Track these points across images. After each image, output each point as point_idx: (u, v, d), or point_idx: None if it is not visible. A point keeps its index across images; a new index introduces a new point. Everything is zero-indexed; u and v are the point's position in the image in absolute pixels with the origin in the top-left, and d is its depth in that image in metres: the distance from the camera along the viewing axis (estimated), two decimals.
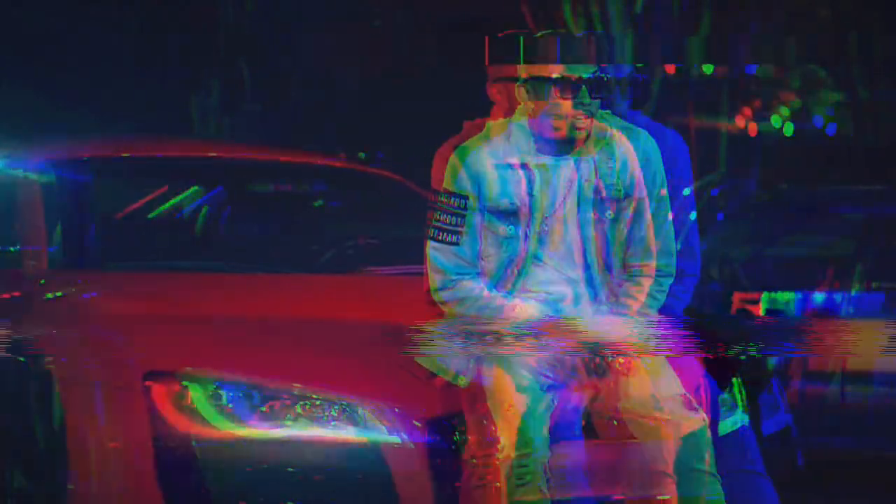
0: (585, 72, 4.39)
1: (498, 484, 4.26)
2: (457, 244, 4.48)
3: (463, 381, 4.47)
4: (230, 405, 4.43)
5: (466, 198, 4.46)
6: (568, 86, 4.38)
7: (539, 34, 4.51)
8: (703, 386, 4.77)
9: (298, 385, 4.45)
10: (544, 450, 4.25)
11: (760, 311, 8.18)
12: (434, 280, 4.51)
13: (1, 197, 6.28)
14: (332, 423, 4.41)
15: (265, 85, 12.26)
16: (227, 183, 6.49)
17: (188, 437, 4.41)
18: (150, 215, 6.92)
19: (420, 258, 4.58)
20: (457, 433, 4.37)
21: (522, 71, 4.45)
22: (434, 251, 4.50)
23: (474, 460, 4.28)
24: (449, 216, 4.48)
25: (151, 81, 13.32)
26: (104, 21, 13.61)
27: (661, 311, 4.58)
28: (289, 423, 4.41)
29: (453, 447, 4.36)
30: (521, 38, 4.52)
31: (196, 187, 6.71)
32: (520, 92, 4.48)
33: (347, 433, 4.40)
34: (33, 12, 13.14)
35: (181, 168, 6.49)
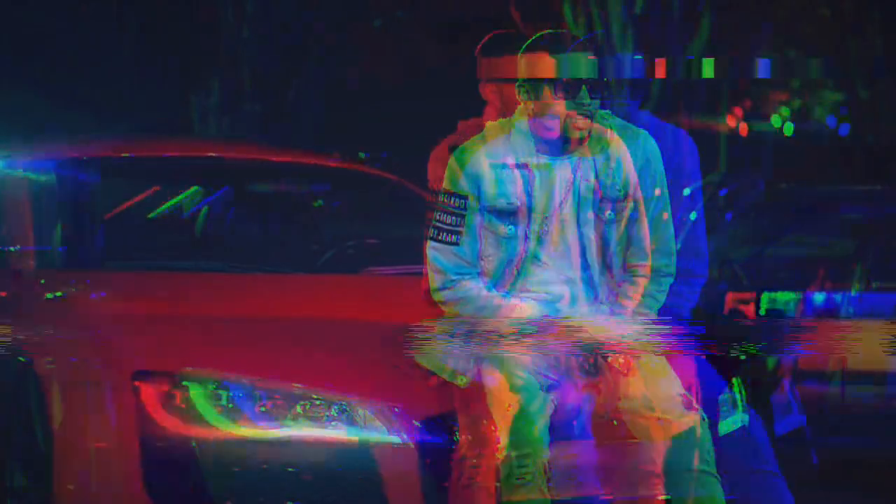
0: (584, 72, 4.39)
1: (490, 484, 4.26)
2: (456, 244, 4.48)
3: (462, 381, 4.48)
4: (230, 405, 4.43)
5: (466, 198, 4.46)
6: (564, 86, 4.38)
7: (538, 34, 4.51)
8: (703, 386, 4.77)
9: (298, 385, 4.45)
10: (544, 450, 4.25)
11: (753, 311, 8.18)
12: (434, 280, 4.52)
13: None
14: (332, 423, 4.41)
15: (265, 85, 12.24)
16: (227, 183, 6.49)
17: (179, 438, 4.40)
18: (151, 215, 6.93)
19: (419, 258, 4.59)
20: (455, 433, 4.37)
21: (521, 71, 4.45)
22: (434, 251, 4.50)
23: (464, 460, 4.28)
24: (449, 216, 4.48)
25: (151, 81, 13.32)
26: (104, 21, 13.61)
27: (668, 311, 4.58)
28: (289, 423, 4.41)
29: (453, 447, 4.36)
30: (513, 38, 4.52)
31: (196, 187, 6.72)
32: (518, 92, 4.48)
33: (347, 433, 4.40)
34: (33, 12, 13.14)
35: (181, 168, 6.49)
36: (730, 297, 8.43)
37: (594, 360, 4.41)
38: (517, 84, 4.47)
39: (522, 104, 4.49)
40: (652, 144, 4.54)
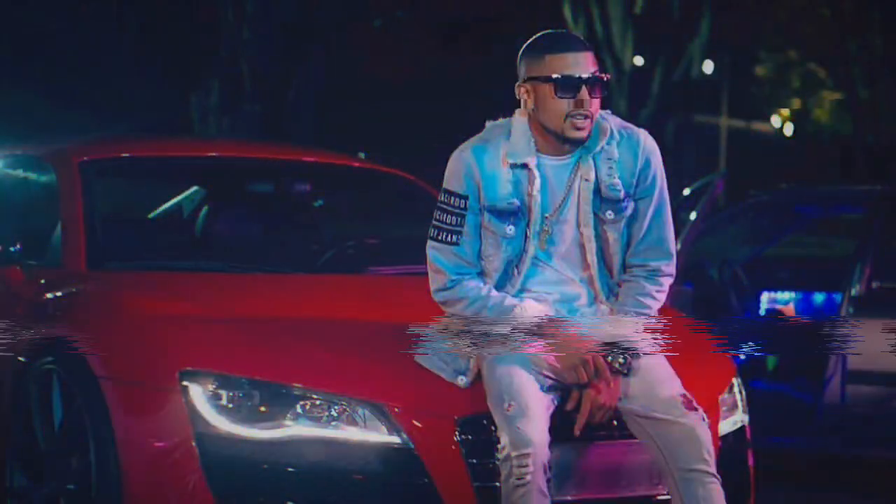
0: (584, 72, 4.39)
1: (542, 482, 4.24)
2: (456, 244, 4.48)
3: (463, 381, 4.47)
4: (230, 405, 4.43)
5: (466, 198, 4.46)
6: (564, 86, 4.38)
7: (538, 34, 4.51)
8: (703, 386, 4.77)
9: (298, 385, 4.45)
10: (544, 450, 4.25)
11: (792, 311, 8.17)
12: (434, 280, 4.52)
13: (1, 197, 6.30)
14: (332, 423, 4.41)
15: (265, 85, 12.24)
16: (227, 183, 6.49)
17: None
18: (151, 215, 6.93)
19: (421, 257, 4.59)
20: (495, 432, 4.36)
21: (520, 71, 4.45)
22: (434, 251, 4.50)
23: (509, 459, 4.26)
24: (449, 216, 4.47)
25: (151, 81, 13.32)
26: (104, 21, 13.61)
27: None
28: (289, 423, 4.41)
29: (496, 446, 4.34)
30: (562, 37, 4.50)
31: (196, 187, 6.71)
32: (519, 91, 4.48)
33: (347, 433, 4.40)
34: (33, 12, 13.14)
35: (181, 168, 6.48)
36: (765, 297, 8.44)
37: (600, 361, 4.40)
38: (519, 84, 4.47)
39: (522, 104, 4.48)
40: (651, 144, 4.54)
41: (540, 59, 4.42)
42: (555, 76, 4.39)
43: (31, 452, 4.90)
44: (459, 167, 4.47)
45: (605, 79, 4.46)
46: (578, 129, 4.41)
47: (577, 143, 4.45)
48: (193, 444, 4.41)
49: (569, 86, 4.39)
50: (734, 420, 4.98)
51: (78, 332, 4.79)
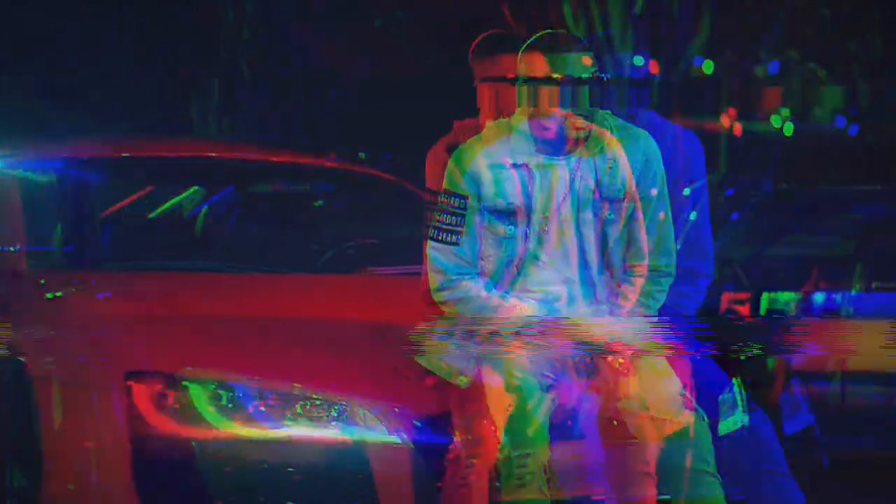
0: (582, 73, 4.39)
1: (484, 484, 4.25)
2: (456, 244, 4.48)
3: (462, 381, 4.48)
4: (230, 405, 4.43)
5: (466, 198, 4.46)
6: (562, 86, 4.38)
7: (537, 34, 4.51)
8: (703, 385, 4.77)
9: (298, 385, 4.45)
10: (544, 450, 4.25)
11: (749, 311, 8.17)
12: (434, 280, 4.52)
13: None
14: (332, 423, 4.41)
15: (265, 85, 12.25)
16: (227, 183, 6.49)
17: (171, 439, 4.40)
18: (151, 215, 6.93)
19: (419, 258, 4.59)
20: (452, 433, 4.37)
21: (519, 71, 4.45)
22: (434, 251, 4.51)
23: (459, 460, 4.27)
24: (448, 216, 4.48)
25: (151, 81, 13.32)
26: (104, 21, 13.61)
27: (673, 311, 4.58)
28: (289, 423, 4.41)
29: (448, 447, 4.36)
30: (505, 38, 4.52)
31: (196, 187, 6.72)
32: (517, 93, 4.48)
33: (347, 433, 4.40)
34: (33, 12, 13.14)
35: (181, 168, 6.49)
36: (725, 298, 8.43)
37: (599, 361, 4.40)
38: (516, 84, 4.47)
39: (521, 105, 4.48)
40: (651, 144, 4.54)
41: (539, 60, 4.42)
42: (555, 76, 4.39)
43: (31, 452, 4.90)
44: (459, 168, 4.48)
45: (605, 79, 4.46)
46: (576, 129, 4.42)
47: (576, 143, 4.45)
48: (193, 444, 4.42)
49: (566, 87, 4.39)
50: (734, 420, 4.98)
51: (78, 332, 4.79)
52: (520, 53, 4.43)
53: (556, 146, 4.46)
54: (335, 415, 4.42)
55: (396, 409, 4.43)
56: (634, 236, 4.52)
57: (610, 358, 4.42)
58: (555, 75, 4.38)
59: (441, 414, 4.45)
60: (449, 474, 4.28)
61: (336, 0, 13.12)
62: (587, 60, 4.43)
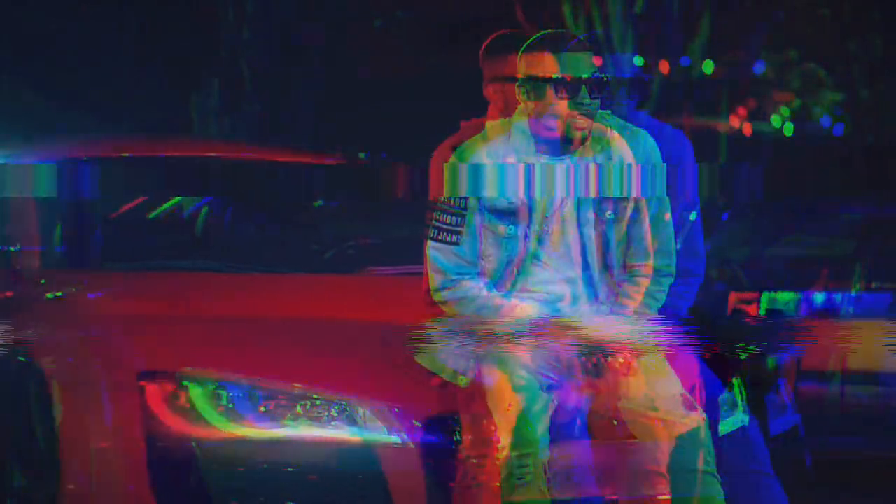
0: (585, 72, 4.40)
1: (494, 484, 4.25)
2: (457, 244, 4.48)
3: (463, 381, 4.48)
4: (230, 405, 4.43)
5: (466, 198, 4.46)
6: (564, 86, 4.38)
7: (539, 34, 4.51)
8: (703, 385, 4.77)
9: (298, 385, 4.45)
10: (544, 450, 4.25)
11: (758, 311, 8.17)
12: (434, 280, 4.52)
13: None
14: (332, 423, 4.41)
15: (265, 85, 12.24)
16: (227, 183, 6.49)
17: (184, 437, 4.40)
18: (151, 215, 6.93)
19: (419, 258, 4.59)
20: (456, 433, 4.37)
21: (521, 70, 4.45)
22: (434, 251, 4.51)
23: (471, 460, 4.28)
24: (449, 216, 4.48)
25: (151, 81, 13.31)
26: (104, 21, 13.61)
27: (667, 311, 4.58)
28: (289, 423, 4.41)
29: (453, 447, 4.36)
30: (517, 38, 4.52)
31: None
32: (518, 92, 4.48)
33: (347, 433, 4.40)
34: (33, 12, 13.14)
35: (181, 168, 6.49)
36: (733, 297, 8.43)
37: (594, 361, 4.40)
38: (517, 84, 4.47)
39: (523, 104, 4.49)
40: (652, 144, 4.55)
41: (539, 59, 4.42)
42: (555, 76, 4.40)
43: (31, 452, 4.90)
44: (459, 167, 4.48)
45: (605, 79, 4.46)
46: (578, 128, 4.42)
47: (576, 143, 4.45)
48: (193, 444, 4.42)
49: (569, 86, 4.39)
50: (734, 420, 4.98)
51: (78, 331, 4.80)
52: (521, 52, 4.43)
53: (558, 146, 4.46)
54: (335, 414, 4.42)
55: (396, 409, 4.43)
56: (637, 236, 4.52)
57: (610, 358, 4.42)
58: (562, 75, 4.38)
59: (441, 414, 4.45)
60: (459, 474, 4.28)
61: (336, 0, 13.11)
62: (592, 60, 4.43)
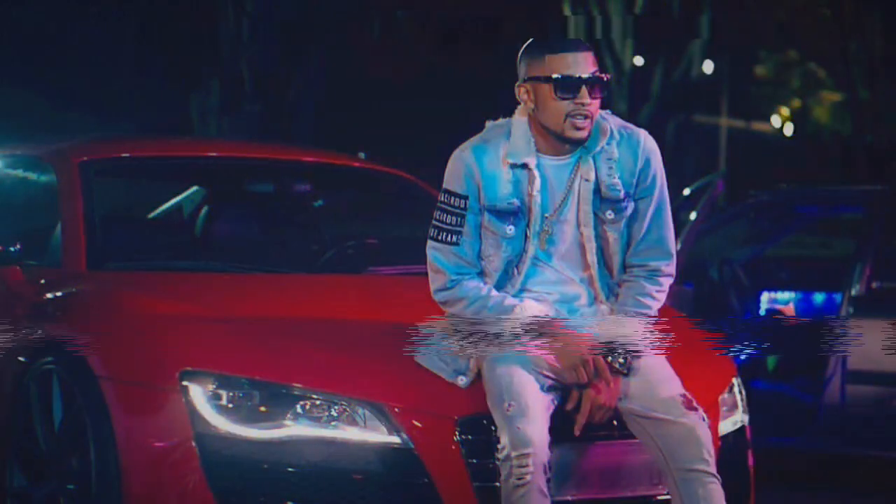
0: (584, 72, 4.40)
1: (542, 482, 4.24)
2: (456, 244, 4.48)
3: (463, 381, 4.48)
4: (230, 404, 4.43)
5: (466, 198, 4.46)
6: (566, 86, 4.38)
7: (550, 35, 4.50)
8: (703, 385, 4.77)
9: (298, 385, 4.45)
10: (544, 450, 4.25)
11: (792, 311, 8.17)
12: (434, 280, 4.52)
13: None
14: (332, 422, 4.41)
15: (265, 85, 12.24)
16: (227, 183, 6.49)
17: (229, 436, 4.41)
18: (151, 215, 6.93)
19: (420, 258, 4.59)
20: (495, 432, 4.35)
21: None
22: (434, 251, 4.51)
23: (516, 458, 4.26)
24: (449, 216, 4.48)
25: (151, 81, 13.32)
26: (104, 21, 13.61)
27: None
28: (289, 423, 4.41)
29: (500, 446, 4.34)
30: (556, 39, 4.50)
31: (196, 187, 6.72)
32: (519, 91, 4.48)
33: (347, 433, 4.40)
34: (33, 12, 13.15)
35: (181, 168, 6.49)
36: (765, 297, 8.43)
37: (600, 361, 4.40)
38: (519, 84, 4.47)
39: (523, 104, 4.49)
40: (651, 144, 4.54)
41: (540, 59, 4.43)
42: (555, 76, 4.40)
43: (31, 452, 4.90)
44: (459, 167, 4.47)
45: (605, 79, 4.46)
46: (578, 129, 4.41)
47: (577, 144, 4.45)
48: (193, 444, 4.42)
49: (569, 86, 4.39)
50: (734, 420, 4.98)
51: (78, 332, 4.79)
52: (553, 53, 4.40)
53: (558, 145, 4.46)
54: (335, 414, 4.41)
55: (396, 409, 4.43)
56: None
57: (610, 357, 4.42)
58: (561, 74, 4.38)
59: (441, 414, 4.44)
60: (504, 474, 4.27)
61: (336, 0, 13.10)
62: (588, 60, 4.43)
